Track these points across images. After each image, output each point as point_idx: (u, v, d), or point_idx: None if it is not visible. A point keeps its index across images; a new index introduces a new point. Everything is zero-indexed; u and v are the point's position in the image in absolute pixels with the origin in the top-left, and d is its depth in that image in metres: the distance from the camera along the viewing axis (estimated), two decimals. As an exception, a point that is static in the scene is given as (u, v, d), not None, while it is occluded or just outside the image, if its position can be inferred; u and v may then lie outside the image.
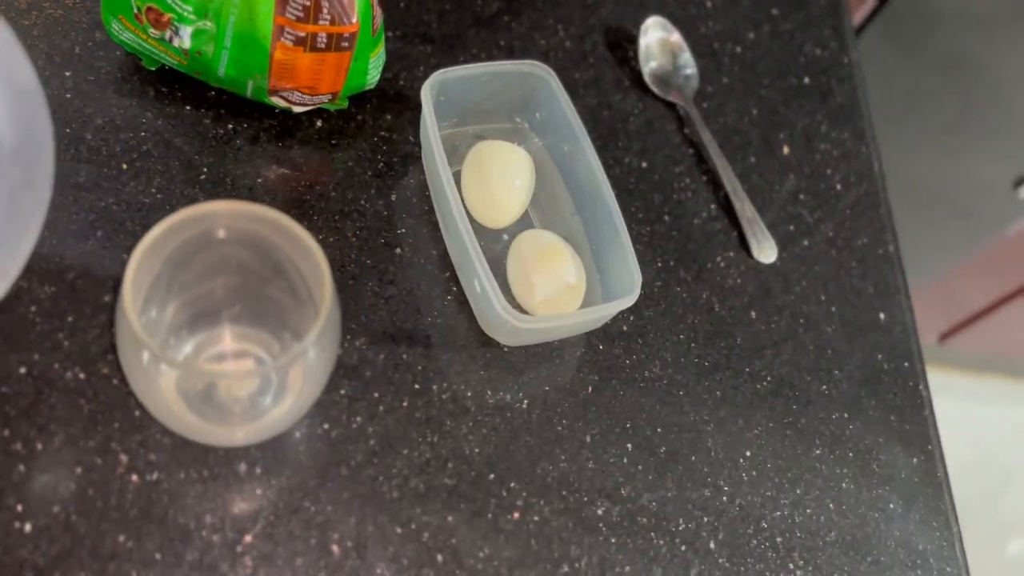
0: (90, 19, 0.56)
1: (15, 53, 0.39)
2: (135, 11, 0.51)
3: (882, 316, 0.62)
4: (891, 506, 0.56)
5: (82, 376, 0.47)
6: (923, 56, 1.22)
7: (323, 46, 0.51)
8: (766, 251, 0.62)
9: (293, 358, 0.39)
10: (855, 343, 0.61)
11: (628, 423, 0.54)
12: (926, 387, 0.61)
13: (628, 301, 0.50)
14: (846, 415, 0.58)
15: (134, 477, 0.45)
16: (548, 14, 0.67)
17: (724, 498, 0.53)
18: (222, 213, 0.38)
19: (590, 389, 0.54)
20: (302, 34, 0.51)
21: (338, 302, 0.42)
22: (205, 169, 0.54)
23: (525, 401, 0.53)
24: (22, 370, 0.46)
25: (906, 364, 0.61)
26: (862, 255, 0.64)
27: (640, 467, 0.53)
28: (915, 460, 0.58)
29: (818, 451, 0.56)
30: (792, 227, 0.64)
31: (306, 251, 0.40)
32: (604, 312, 0.50)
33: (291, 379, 0.45)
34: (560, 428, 0.52)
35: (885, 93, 1.29)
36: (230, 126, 0.56)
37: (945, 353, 1.61)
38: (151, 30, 0.52)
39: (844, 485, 0.55)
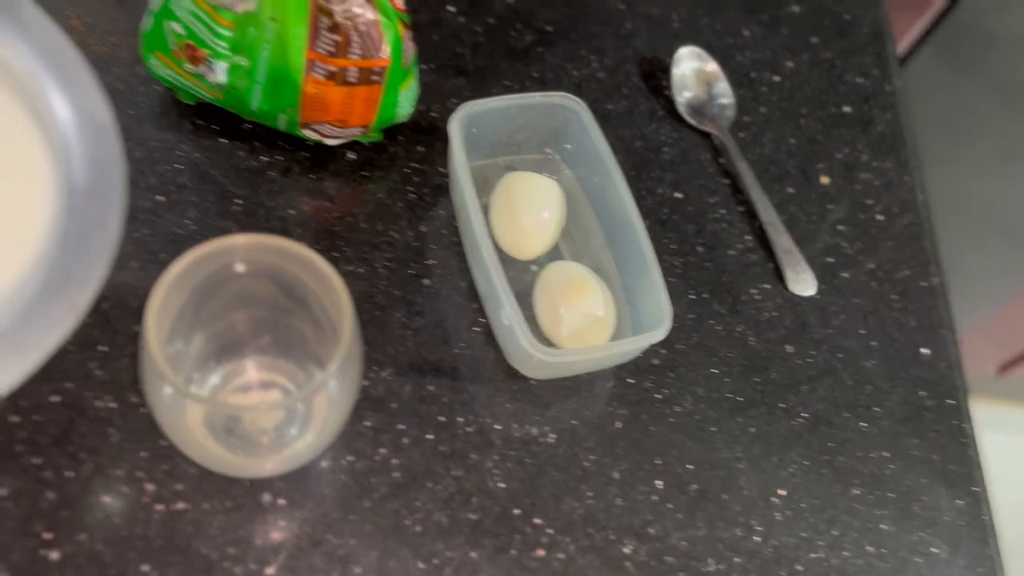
0: (131, 56, 0.58)
1: (94, 94, 0.40)
2: (173, 48, 0.53)
3: (925, 351, 0.60)
4: (934, 550, 0.53)
5: (112, 405, 0.47)
6: (977, 80, 1.19)
7: (353, 80, 0.52)
8: (803, 283, 0.60)
9: (315, 389, 0.39)
10: (896, 379, 0.59)
11: (658, 459, 0.53)
12: (971, 426, 0.58)
13: (657, 335, 0.49)
14: (886, 454, 0.56)
15: (159, 506, 0.46)
16: (581, 45, 0.67)
17: (757, 538, 0.51)
18: (242, 246, 0.39)
19: (619, 424, 0.53)
20: (333, 68, 0.51)
21: (360, 332, 0.42)
22: (239, 200, 0.55)
23: (552, 435, 0.52)
24: (54, 398, 0.47)
25: (950, 401, 0.59)
26: (904, 288, 0.62)
27: (670, 505, 0.51)
28: (959, 502, 0.55)
29: (856, 491, 0.54)
30: (831, 259, 0.62)
31: (327, 282, 0.40)
32: (632, 346, 0.50)
33: (315, 410, 0.45)
34: (587, 463, 0.52)
35: (938, 119, 1.26)
36: (264, 158, 0.57)
37: (1002, 386, 1.56)
38: (188, 65, 0.53)
39: (884, 527, 0.53)
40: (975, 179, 1.29)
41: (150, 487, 0.46)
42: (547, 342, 0.53)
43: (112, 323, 0.49)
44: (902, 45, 1.17)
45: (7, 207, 0.37)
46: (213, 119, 0.57)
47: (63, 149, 0.38)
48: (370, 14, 0.50)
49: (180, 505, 0.46)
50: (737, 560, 0.50)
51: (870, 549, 0.53)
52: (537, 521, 0.49)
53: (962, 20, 1.10)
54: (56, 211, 0.37)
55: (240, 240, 0.39)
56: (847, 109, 0.70)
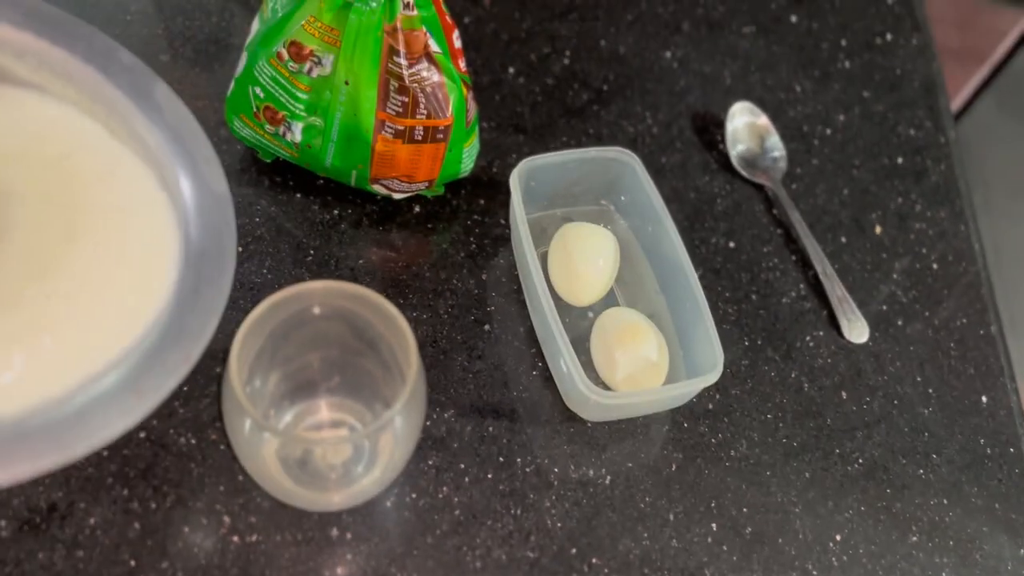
0: (216, 118, 0.63)
1: (215, 168, 0.43)
2: (254, 110, 0.57)
3: (984, 399, 0.60)
4: (997, 599, 0.53)
5: (193, 441, 0.51)
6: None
7: (420, 138, 0.56)
8: (857, 331, 0.61)
9: (382, 426, 0.41)
10: (955, 426, 0.59)
11: (713, 502, 0.54)
12: (1035, 474, 0.58)
13: (710, 379, 0.51)
14: (945, 501, 0.56)
15: (235, 538, 0.48)
16: (636, 102, 0.70)
17: (813, 583, 0.52)
18: (318, 291, 0.42)
19: (674, 467, 0.54)
20: (401, 127, 0.55)
21: (424, 373, 0.44)
22: (312, 251, 0.59)
23: (608, 477, 0.53)
24: (141, 435, 0.50)
25: (1012, 450, 0.58)
26: (961, 336, 0.63)
27: (725, 547, 0.52)
28: (1023, 551, 0.55)
29: (915, 538, 0.54)
30: (885, 307, 0.63)
31: (394, 325, 0.42)
32: (685, 389, 0.51)
33: (381, 446, 0.47)
34: (643, 505, 0.53)
35: (1001, 171, 1.26)
36: (336, 212, 0.61)
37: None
38: (267, 126, 0.57)
39: (944, 575, 0.53)
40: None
41: (227, 519, 0.49)
42: (603, 386, 0.55)
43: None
44: (961, 97, 1.17)
45: (137, 265, 0.40)
46: (289, 176, 0.61)
47: (185, 215, 0.41)
48: (436, 76, 0.54)
49: (254, 537, 0.48)
50: (793, 604, 0.51)
51: (930, 597, 0.52)
52: (595, 560, 0.51)
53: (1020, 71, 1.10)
54: (178, 270, 0.40)
55: (316, 286, 0.42)
56: (900, 160, 0.71)
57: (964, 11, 1.05)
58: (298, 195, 0.61)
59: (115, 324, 0.39)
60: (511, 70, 0.70)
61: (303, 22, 0.54)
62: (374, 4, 0.52)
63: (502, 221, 0.62)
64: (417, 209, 0.62)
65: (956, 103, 1.21)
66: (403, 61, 0.53)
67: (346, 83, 0.54)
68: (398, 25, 0.53)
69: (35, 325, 0.38)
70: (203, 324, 0.39)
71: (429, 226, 0.61)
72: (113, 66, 0.41)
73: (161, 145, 0.41)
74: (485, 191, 0.64)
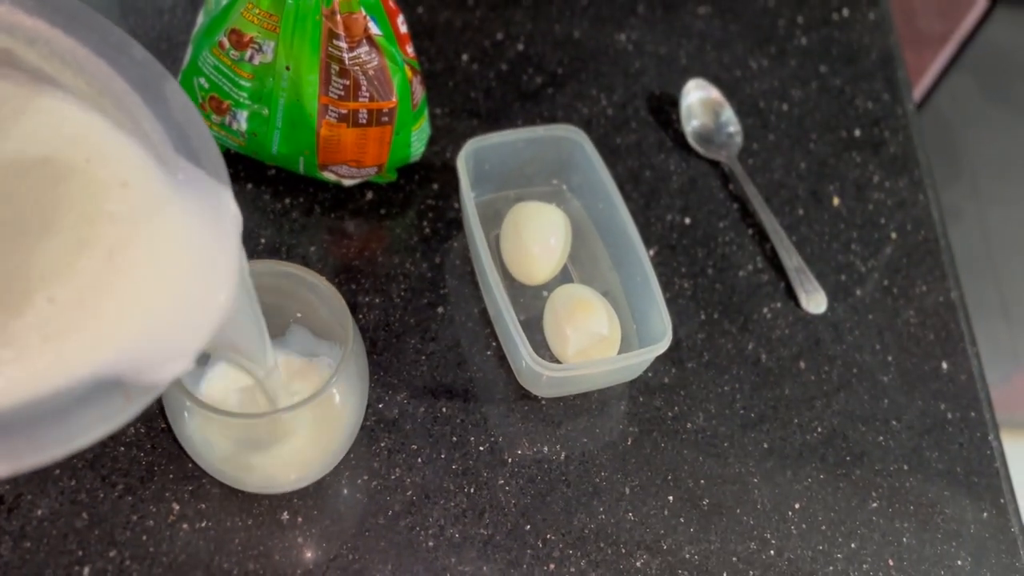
0: (166, 112, 0.63)
1: (218, 162, 0.42)
2: (200, 101, 0.57)
3: (945, 365, 0.60)
4: (958, 563, 0.52)
5: (142, 430, 0.50)
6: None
7: (364, 122, 0.56)
8: (815, 301, 0.61)
9: (317, 397, 0.41)
10: (914, 393, 0.58)
11: (670, 475, 0.53)
12: (997, 438, 0.58)
13: (658, 348, 0.51)
14: (905, 467, 0.55)
15: (185, 525, 0.48)
16: (591, 85, 0.70)
17: (771, 551, 0.51)
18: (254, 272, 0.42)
19: (630, 441, 0.54)
20: (344, 111, 0.55)
21: (362, 345, 0.44)
22: (263, 240, 0.59)
23: (563, 453, 0.53)
24: (90, 425, 0.50)
25: (973, 414, 0.58)
26: (920, 303, 0.62)
27: (682, 519, 0.52)
28: (985, 515, 0.54)
29: (875, 504, 0.54)
30: (843, 277, 0.63)
31: (329, 298, 0.42)
32: (634, 360, 0.51)
33: (323, 421, 0.47)
34: (598, 480, 0.52)
35: (989, 151, 1.25)
36: (287, 200, 0.60)
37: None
38: (214, 116, 0.57)
39: (905, 540, 0.53)
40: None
41: (176, 506, 0.49)
42: (557, 362, 0.55)
43: (144, 355, 0.53)
44: (945, 83, 1.16)
45: (150, 271, 0.39)
46: (240, 167, 0.61)
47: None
48: (377, 59, 0.54)
49: (204, 523, 0.48)
50: (752, 573, 0.50)
51: (891, 562, 0.52)
52: (548, 536, 0.50)
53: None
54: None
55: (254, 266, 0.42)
56: (858, 133, 0.71)
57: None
58: (249, 185, 0.61)
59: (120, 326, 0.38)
60: (465, 56, 0.70)
61: (242, 10, 0.54)
62: (310, -13, 0.52)
63: (455, 205, 0.62)
64: (370, 195, 0.62)
65: (938, 89, 1.21)
66: (343, 44, 0.53)
67: (287, 68, 0.54)
68: (336, 8, 0.53)
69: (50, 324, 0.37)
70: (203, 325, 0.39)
71: (382, 212, 0.61)
72: (123, 59, 0.41)
73: (166, 142, 0.42)
74: (439, 176, 0.63)
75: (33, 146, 0.40)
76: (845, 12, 0.78)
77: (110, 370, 0.35)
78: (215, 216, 0.40)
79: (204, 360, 0.49)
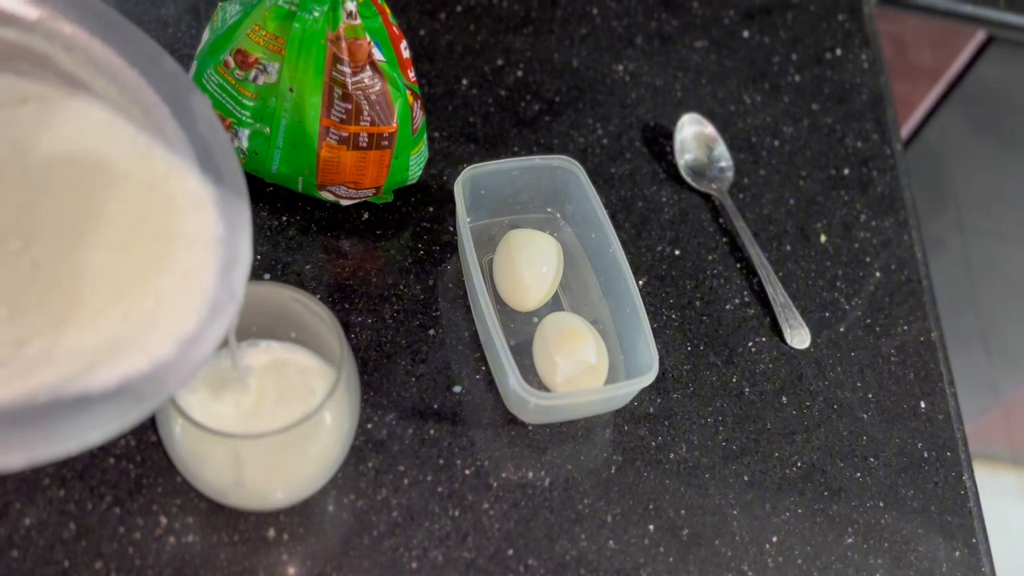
0: (167, 125, 0.63)
1: (238, 177, 0.42)
2: (203, 117, 0.58)
3: (923, 404, 0.61)
4: (930, 600, 0.53)
5: (133, 443, 0.51)
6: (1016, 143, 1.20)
7: (365, 145, 0.56)
8: (799, 337, 0.62)
9: (310, 417, 0.42)
10: (893, 430, 0.60)
11: (651, 504, 0.54)
12: (972, 478, 0.59)
13: (645, 380, 0.52)
14: (881, 504, 0.56)
15: (171, 538, 0.49)
16: (587, 114, 0.71)
17: (748, 584, 0.52)
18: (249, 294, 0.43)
19: (613, 469, 0.55)
20: (345, 134, 0.56)
21: (355, 367, 0.45)
22: (259, 256, 0.59)
23: (548, 479, 0.54)
24: (81, 436, 0.51)
25: (949, 454, 0.59)
26: (902, 342, 0.64)
27: (662, 548, 0.53)
28: (958, 553, 0.55)
29: (850, 539, 0.55)
30: (827, 314, 0.64)
31: (322, 319, 0.43)
32: (620, 391, 0.52)
33: (314, 442, 0.48)
34: (581, 507, 0.53)
35: (974, 186, 1.27)
36: (284, 217, 0.61)
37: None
38: (215, 133, 0.58)
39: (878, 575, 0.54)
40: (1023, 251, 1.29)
41: (163, 520, 0.49)
42: (545, 389, 0.56)
43: (137, 367, 0.53)
44: (935, 118, 1.18)
45: (177, 279, 0.40)
46: (239, 183, 0.62)
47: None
48: (380, 85, 0.55)
49: (190, 537, 0.49)
50: (728, 604, 0.51)
51: (864, 598, 0.53)
52: (530, 561, 0.51)
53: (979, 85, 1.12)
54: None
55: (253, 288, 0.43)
56: (846, 171, 0.72)
57: (933, 30, 1.07)
58: (247, 201, 0.61)
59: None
60: (464, 81, 0.71)
61: (249, 31, 0.55)
62: (317, 13, 0.53)
63: (450, 228, 0.63)
64: (366, 216, 0.63)
65: (928, 122, 1.23)
66: (347, 69, 0.54)
67: (291, 90, 0.55)
68: (341, 34, 0.53)
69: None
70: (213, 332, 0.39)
71: (378, 232, 0.62)
72: (155, 71, 0.42)
73: (190, 154, 0.43)
74: (435, 199, 0.64)
75: (70, 146, 0.41)
76: (838, 51, 0.80)
77: (138, 378, 0.36)
78: (232, 229, 0.41)
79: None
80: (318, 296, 0.58)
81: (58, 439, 0.34)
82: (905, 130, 1.17)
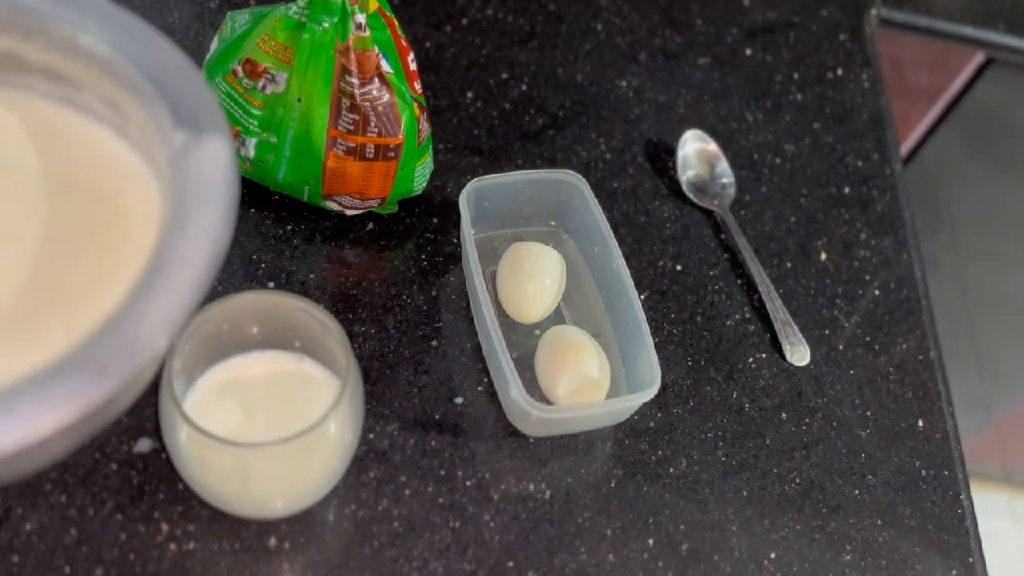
0: (174, 133, 0.64)
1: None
2: (210, 125, 0.58)
3: (921, 423, 0.62)
4: (927, 619, 0.54)
5: (136, 450, 0.51)
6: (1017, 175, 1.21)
7: (371, 156, 0.57)
8: (799, 354, 0.62)
9: (315, 427, 0.42)
10: (891, 448, 0.60)
11: (651, 518, 0.54)
12: (968, 497, 0.59)
13: (646, 395, 0.52)
14: (879, 521, 0.57)
15: (172, 545, 0.49)
16: (591, 129, 0.72)
17: (746, 599, 0.52)
18: (250, 303, 0.43)
19: (614, 483, 0.55)
20: (352, 145, 0.56)
21: (359, 375, 0.45)
22: (264, 264, 0.60)
23: (548, 492, 0.54)
24: (83, 441, 0.51)
25: (946, 473, 0.60)
26: (901, 360, 0.64)
27: (660, 563, 0.53)
28: (954, 572, 0.56)
29: (848, 556, 0.55)
30: (827, 331, 0.65)
31: (327, 329, 0.43)
32: (622, 405, 0.52)
33: (318, 452, 0.48)
34: (581, 520, 0.54)
35: (969, 206, 1.28)
36: (289, 227, 0.62)
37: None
38: (222, 142, 0.58)
39: (876, 594, 0.54)
40: (1017, 273, 1.30)
41: (165, 527, 0.49)
42: (547, 402, 0.56)
43: (140, 374, 0.53)
44: (934, 137, 1.19)
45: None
46: (244, 191, 0.62)
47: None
48: (388, 96, 0.55)
49: (191, 545, 0.49)
50: (726, 620, 0.51)
51: (862, 615, 0.53)
52: (531, 574, 0.51)
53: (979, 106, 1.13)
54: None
55: (248, 297, 0.43)
56: (847, 190, 0.73)
57: (931, 51, 1.08)
58: (252, 210, 0.62)
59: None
60: (469, 94, 0.72)
61: (258, 40, 0.55)
62: (326, 24, 0.54)
63: (454, 240, 0.63)
64: (371, 226, 0.63)
65: (924, 143, 1.24)
66: (355, 80, 0.54)
67: (299, 100, 0.55)
68: (350, 45, 0.54)
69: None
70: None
71: (382, 243, 0.62)
72: (125, 38, 0.41)
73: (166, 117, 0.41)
74: (439, 210, 0.65)
75: (64, 168, 0.41)
76: (839, 71, 0.81)
77: (94, 352, 0.34)
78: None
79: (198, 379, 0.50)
80: (322, 305, 0.58)
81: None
82: (901, 150, 1.18)
